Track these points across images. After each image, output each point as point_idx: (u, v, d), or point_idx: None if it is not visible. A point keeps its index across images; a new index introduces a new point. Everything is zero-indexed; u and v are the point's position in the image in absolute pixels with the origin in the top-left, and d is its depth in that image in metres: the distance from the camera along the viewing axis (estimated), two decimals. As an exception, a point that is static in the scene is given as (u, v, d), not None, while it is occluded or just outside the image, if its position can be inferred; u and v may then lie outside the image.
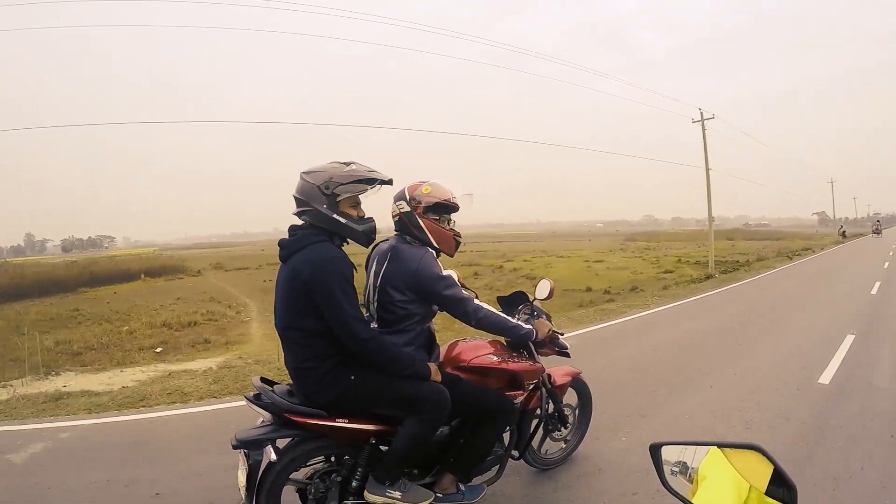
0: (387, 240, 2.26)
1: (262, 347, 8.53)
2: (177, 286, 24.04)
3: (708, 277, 15.27)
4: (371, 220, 2.03)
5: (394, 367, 1.98)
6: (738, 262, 20.89)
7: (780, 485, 0.75)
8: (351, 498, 2.07)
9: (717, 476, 0.79)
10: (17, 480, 2.95)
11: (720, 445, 0.82)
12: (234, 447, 1.90)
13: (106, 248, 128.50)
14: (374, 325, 2.17)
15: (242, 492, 1.91)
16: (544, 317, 2.60)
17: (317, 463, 2.10)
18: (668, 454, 0.90)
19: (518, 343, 2.46)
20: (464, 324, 2.24)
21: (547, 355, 2.60)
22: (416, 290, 2.11)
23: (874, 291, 10.16)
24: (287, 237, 2.00)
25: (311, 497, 2.06)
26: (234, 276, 26.99)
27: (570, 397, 2.93)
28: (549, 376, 2.69)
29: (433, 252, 2.18)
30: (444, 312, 2.22)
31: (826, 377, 4.51)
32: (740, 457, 0.79)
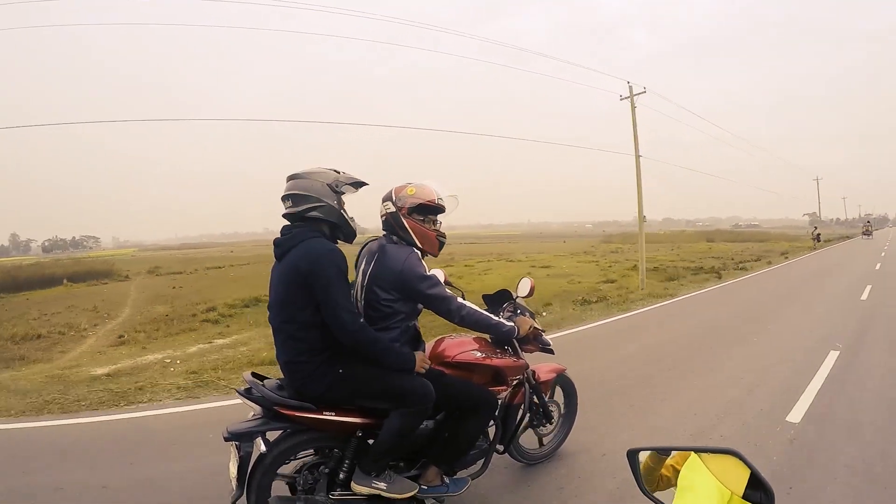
0: (376, 239, 2.32)
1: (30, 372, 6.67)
2: (95, 292, 22.08)
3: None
4: (353, 219, 2.16)
5: (382, 359, 2.06)
6: (700, 267, 18.97)
7: (758, 488, 0.77)
8: (338, 489, 2.12)
9: (696, 481, 0.81)
10: None
11: (697, 450, 0.84)
12: (226, 439, 1.94)
13: (90, 248, 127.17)
14: (362, 320, 2.22)
15: (234, 483, 1.97)
16: (527, 314, 2.67)
17: (305, 456, 2.16)
18: (646, 459, 0.91)
19: (501, 340, 2.52)
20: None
21: (531, 352, 2.68)
22: (400, 289, 2.17)
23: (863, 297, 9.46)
24: (280, 237, 2.09)
25: (299, 488, 2.11)
26: (162, 281, 25.10)
27: (558, 394, 3.04)
28: (534, 372, 2.76)
29: (418, 252, 2.24)
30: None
31: (797, 413, 3.67)
32: (718, 462, 0.81)
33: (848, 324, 7.10)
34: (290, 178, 2.10)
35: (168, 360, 6.47)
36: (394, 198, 2.26)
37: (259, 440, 1.98)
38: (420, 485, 2.24)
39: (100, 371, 5.95)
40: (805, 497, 2.54)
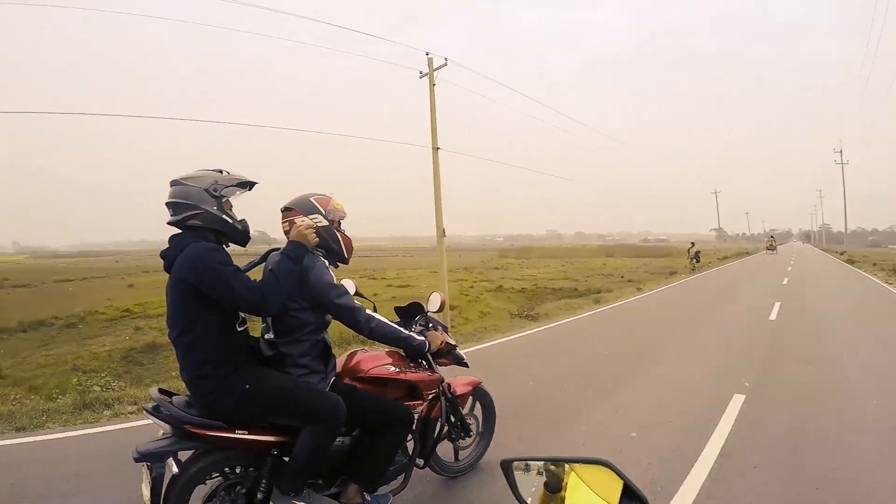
0: (278, 249, 2.26)
1: None
2: None
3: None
4: (244, 220, 2.11)
5: (280, 290, 2.00)
6: (575, 289, 18.60)
7: (633, 498, 0.77)
8: None
9: (571, 492, 0.82)
10: None
11: (569, 461, 0.85)
12: (136, 460, 1.87)
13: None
14: (269, 335, 2.21)
15: None
16: (440, 328, 2.70)
17: (219, 476, 2.08)
18: (521, 470, 0.92)
19: (417, 354, 2.54)
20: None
21: (445, 366, 2.72)
22: (308, 298, 2.15)
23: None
24: (166, 248, 2.02)
25: None
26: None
27: (477, 408, 3.08)
28: (449, 386, 2.76)
29: (325, 260, 2.25)
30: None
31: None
32: (590, 472, 0.82)
33: (753, 352, 6.24)
34: (172, 184, 2.02)
35: None
36: (323, 211, 2.26)
37: (171, 461, 1.89)
38: (340, 503, 2.23)
39: None
40: None
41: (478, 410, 3.08)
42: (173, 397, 2.03)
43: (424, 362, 2.60)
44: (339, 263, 2.34)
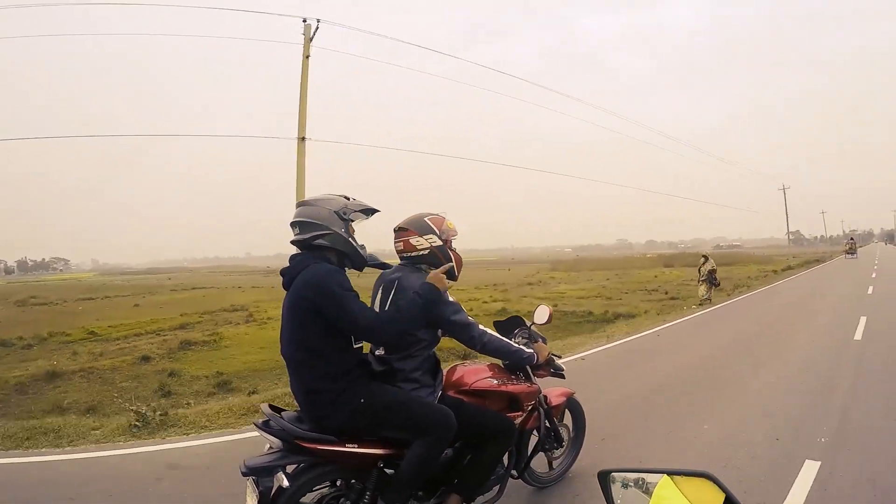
0: (389, 268, 2.34)
1: None
2: None
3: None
4: (364, 245, 2.16)
5: (399, 327, 2.05)
6: (604, 311, 15.22)
7: None
8: None
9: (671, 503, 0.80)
10: None
11: (670, 473, 0.83)
12: (244, 474, 1.92)
13: (59, 270, 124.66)
14: (380, 351, 2.25)
15: None
16: (541, 340, 2.72)
17: (323, 488, 2.10)
18: (618, 482, 0.90)
19: (518, 366, 2.57)
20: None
21: (542, 377, 2.71)
22: (425, 316, 2.17)
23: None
24: (287, 265, 2.10)
25: None
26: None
27: (567, 417, 3.04)
28: (546, 397, 2.78)
29: None
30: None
31: None
32: (691, 485, 0.80)
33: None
34: (300, 204, 2.14)
35: None
36: (437, 231, 2.29)
37: (280, 474, 1.91)
38: None
39: None
40: None
41: (568, 420, 3.08)
42: (282, 412, 2.08)
43: (523, 374, 2.62)
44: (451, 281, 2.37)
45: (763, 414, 4.14)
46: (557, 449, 2.92)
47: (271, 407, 2.09)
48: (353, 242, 2.10)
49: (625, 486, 0.88)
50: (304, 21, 8.19)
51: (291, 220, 2.10)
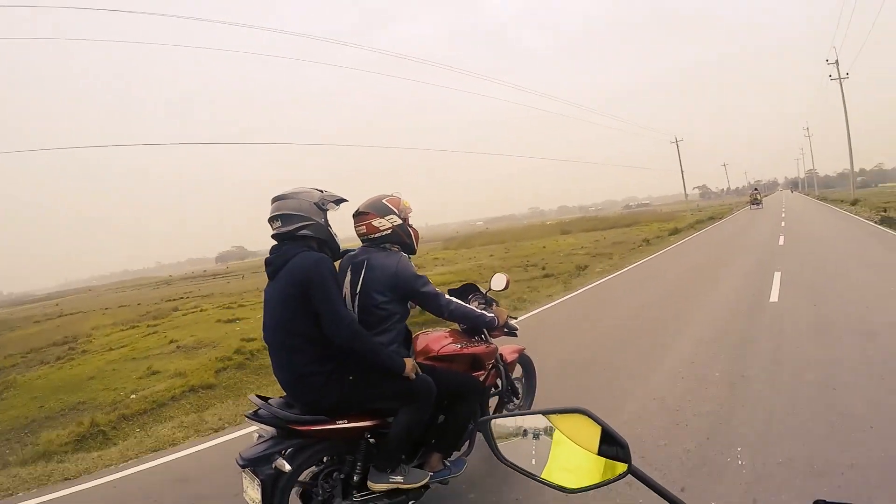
0: (351, 251, 2.45)
1: None
2: None
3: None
4: (336, 234, 2.27)
5: (376, 361, 2.16)
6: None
7: (612, 444, 0.77)
8: (354, 493, 2.22)
9: (551, 442, 0.82)
10: None
11: (546, 412, 0.85)
12: (242, 466, 2.00)
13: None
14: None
15: None
16: (495, 304, 2.91)
17: (317, 465, 2.20)
18: (499, 427, 0.92)
19: (476, 329, 2.77)
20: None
21: (497, 337, 2.92)
22: (396, 290, 2.32)
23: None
24: (271, 256, 2.17)
25: (318, 498, 2.17)
26: None
27: (518, 371, 3.26)
28: (501, 355, 2.99)
29: (406, 255, 2.45)
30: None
31: None
32: (568, 421, 0.81)
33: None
34: (277, 198, 2.17)
35: None
36: (397, 211, 2.41)
37: (281, 460, 1.99)
38: (426, 472, 2.38)
39: None
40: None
41: (519, 373, 3.30)
42: (269, 400, 2.15)
43: (481, 336, 2.81)
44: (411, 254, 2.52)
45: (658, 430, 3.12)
46: (514, 402, 3.17)
47: (258, 396, 2.17)
48: (331, 231, 2.22)
49: (504, 430, 0.90)
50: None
51: (271, 214, 2.16)
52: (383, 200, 2.42)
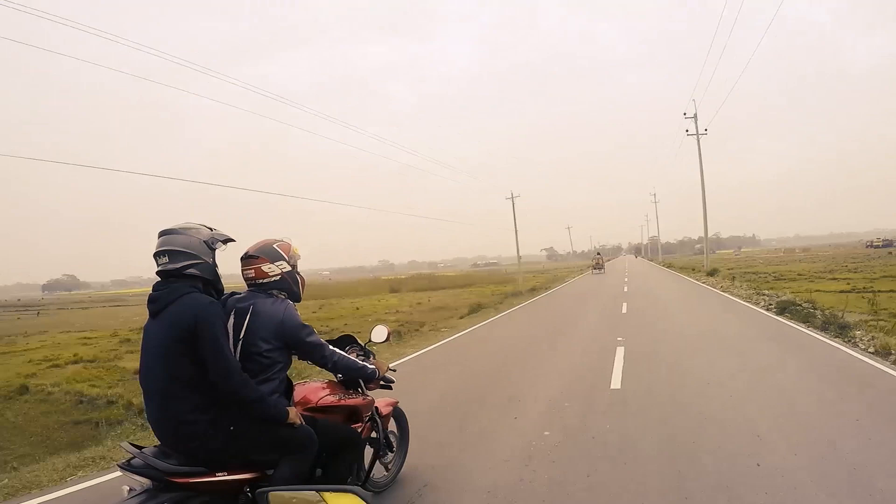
0: (234, 294, 2.36)
1: None
2: None
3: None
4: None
5: (260, 410, 2.11)
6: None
7: None
8: None
9: None
10: None
11: (320, 489, 0.93)
12: None
13: None
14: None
15: None
16: (373, 356, 2.96)
17: None
18: (275, 499, 1.01)
19: (353, 381, 2.80)
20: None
21: (373, 389, 2.95)
22: (281, 338, 2.27)
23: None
24: (154, 292, 2.05)
25: None
26: None
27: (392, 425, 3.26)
28: (377, 407, 2.99)
29: (292, 303, 2.39)
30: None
31: None
32: (339, 499, 0.88)
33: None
34: (165, 233, 2.09)
35: None
36: (287, 257, 2.39)
37: None
38: None
39: None
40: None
41: (393, 427, 3.33)
42: (143, 449, 1.99)
43: (358, 388, 2.83)
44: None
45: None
46: (388, 455, 3.19)
47: (132, 444, 2.01)
48: (217, 271, 2.16)
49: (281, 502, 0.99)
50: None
51: (157, 249, 2.06)
52: (274, 245, 2.39)
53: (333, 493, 0.88)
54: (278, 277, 2.34)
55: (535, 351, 8.25)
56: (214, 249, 2.13)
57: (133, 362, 9.96)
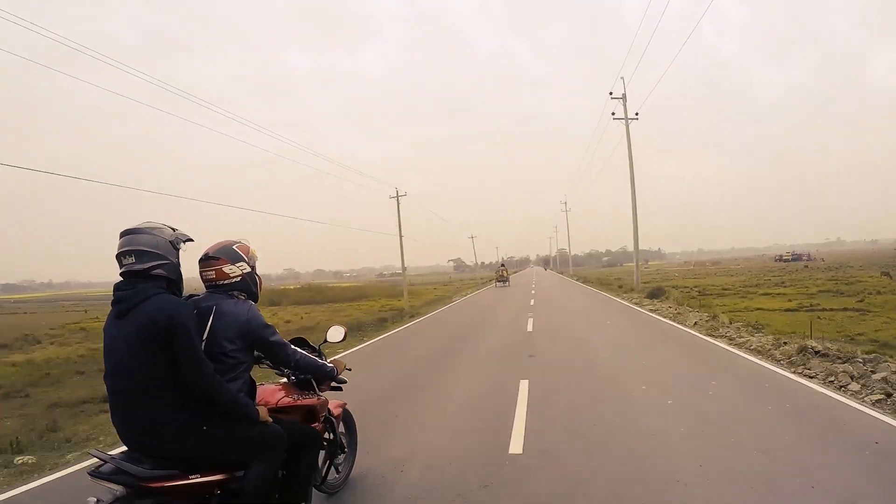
0: (193, 296, 2.32)
1: None
2: None
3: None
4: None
5: (232, 409, 2.11)
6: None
7: None
8: None
9: None
10: None
11: None
12: None
13: None
14: None
15: None
16: (324, 357, 3.00)
17: None
18: None
19: (306, 382, 2.82)
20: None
21: (325, 390, 2.97)
22: (246, 338, 2.28)
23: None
24: (121, 292, 2.00)
25: None
26: None
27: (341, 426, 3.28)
28: (329, 409, 3.02)
29: (254, 304, 2.40)
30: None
31: None
32: None
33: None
34: (128, 232, 2.05)
35: None
36: (246, 258, 2.40)
37: None
38: None
39: None
40: None
41: (342, 428, 3.37)
42: (112, 455, 1.93)
43: (312, 389, 2.85)
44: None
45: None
46: (339, 456, 3.23)
47: (99, 451, 1.95)
48: (181, 272, 2.15)
49: None
50: None
51: (122, 249, 2.00)
52: (233, 247, 2.40)
53: None
54: (239, 279, 2.36)
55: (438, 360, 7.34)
56: (178, 249, 2.12)
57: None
